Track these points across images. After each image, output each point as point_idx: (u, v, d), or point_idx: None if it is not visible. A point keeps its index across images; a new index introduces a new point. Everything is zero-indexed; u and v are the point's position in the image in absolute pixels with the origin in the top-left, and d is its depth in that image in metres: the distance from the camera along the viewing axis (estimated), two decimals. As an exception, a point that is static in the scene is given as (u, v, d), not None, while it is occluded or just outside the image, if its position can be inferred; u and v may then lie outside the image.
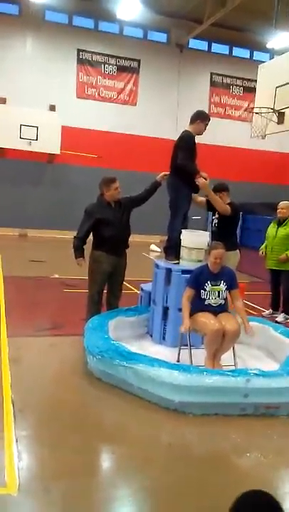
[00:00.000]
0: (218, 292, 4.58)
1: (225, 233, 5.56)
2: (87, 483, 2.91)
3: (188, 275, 4.81)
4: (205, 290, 4.56)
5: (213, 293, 4.57)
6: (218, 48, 18.07)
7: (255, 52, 18.21)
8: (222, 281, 4.60)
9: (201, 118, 5.40)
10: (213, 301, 4.57)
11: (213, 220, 5.80)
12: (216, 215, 5.72)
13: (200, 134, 5.44)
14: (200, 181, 5.25)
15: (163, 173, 5.46)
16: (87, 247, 5.35)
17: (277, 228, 7.05)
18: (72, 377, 4.48)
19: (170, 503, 2.78)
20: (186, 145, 5.30)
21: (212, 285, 4.56)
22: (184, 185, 5.38)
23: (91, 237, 5.41)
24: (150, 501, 2.79)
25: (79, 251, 5.33)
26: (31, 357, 4.98)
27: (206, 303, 4.57)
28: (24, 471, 2.94)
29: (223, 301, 4.62)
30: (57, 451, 3.23)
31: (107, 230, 5.25)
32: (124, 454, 3.29)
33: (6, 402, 3.81)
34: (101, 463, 3.23)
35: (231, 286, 4.65)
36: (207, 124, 5.47)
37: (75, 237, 5.34)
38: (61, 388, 4.29)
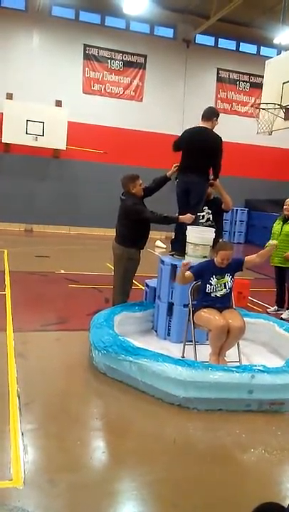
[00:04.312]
0: (224, 284, 4.64)
1: (220, 228, 5.82)
2: (91, 476, 2.93)
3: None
4: (211, 284, 4.58)
5: (219, 285, 4.62)
6: (224, 43, 17.98)
7: (262, 48, 18.10)
8: (227, 274, 4.63)
9: (216, 115, 5.52)
10: (219, 293, 4.62)
11: (204, 216, 5.85)
12: (208, 210, 5.83)
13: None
14: (216, 183, 5.63)
15: (175, 164, 5.54)
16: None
17: (283, 225, 7.02)
18: (78, 371, 4.51)
19: (174, 497, 2.80)
20: (222, 151, 5.42)
21: (218, 279, 4.59)
22: (206, 183, 5.53)
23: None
24: (154, 495, 2.81)
25: (171, 216, 5.36)
26: (37, 351, 5.01)
27: (212, 295, 4.60)
28: (30, 465, 2.97)
29: (228, 290, 4.67)
30: (62, 444, 3.26)
31: (147, 227, 5.42)
32: (128, 448, 3.31)
33: (12, 395, 3.85)
34: (105, 457, 3.25)
35: (237, 270, 4.72)
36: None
37: (154, 219, 5.31)
38: (66, 382, 4.32)
